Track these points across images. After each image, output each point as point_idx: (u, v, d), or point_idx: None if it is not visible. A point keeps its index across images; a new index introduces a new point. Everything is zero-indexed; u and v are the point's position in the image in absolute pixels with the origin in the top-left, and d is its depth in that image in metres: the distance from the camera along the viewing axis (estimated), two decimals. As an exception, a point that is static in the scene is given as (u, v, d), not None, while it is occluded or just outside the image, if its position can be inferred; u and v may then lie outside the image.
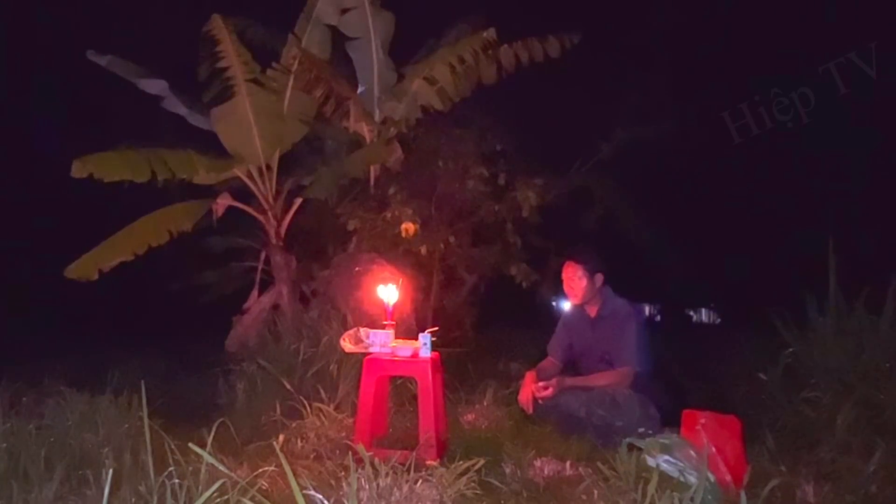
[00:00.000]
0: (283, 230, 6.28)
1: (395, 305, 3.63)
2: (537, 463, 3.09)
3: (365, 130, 6.52)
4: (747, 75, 9.16)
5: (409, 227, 5.75)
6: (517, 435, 3.68)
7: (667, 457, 2.81)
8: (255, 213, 6.32)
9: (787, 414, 3.59)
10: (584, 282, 3.85)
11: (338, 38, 6.48)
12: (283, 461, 2.03)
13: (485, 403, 4.17)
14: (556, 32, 6.41)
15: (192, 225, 5.78)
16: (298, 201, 6.26)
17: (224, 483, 2.18)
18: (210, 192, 6.31)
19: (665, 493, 2.24)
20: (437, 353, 3.49)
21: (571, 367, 4.05)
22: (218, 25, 5.45)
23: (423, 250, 5.98)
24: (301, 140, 6.37)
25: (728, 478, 2.80)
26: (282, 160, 6.26)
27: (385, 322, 3.55)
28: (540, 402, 3.77)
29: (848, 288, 4.02)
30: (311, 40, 6.27)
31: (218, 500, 2.19)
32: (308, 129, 6.33)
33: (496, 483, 2.89)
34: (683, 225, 9.60)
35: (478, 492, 2.69)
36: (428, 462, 2.77)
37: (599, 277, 3.87)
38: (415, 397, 3.57)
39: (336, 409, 3.73)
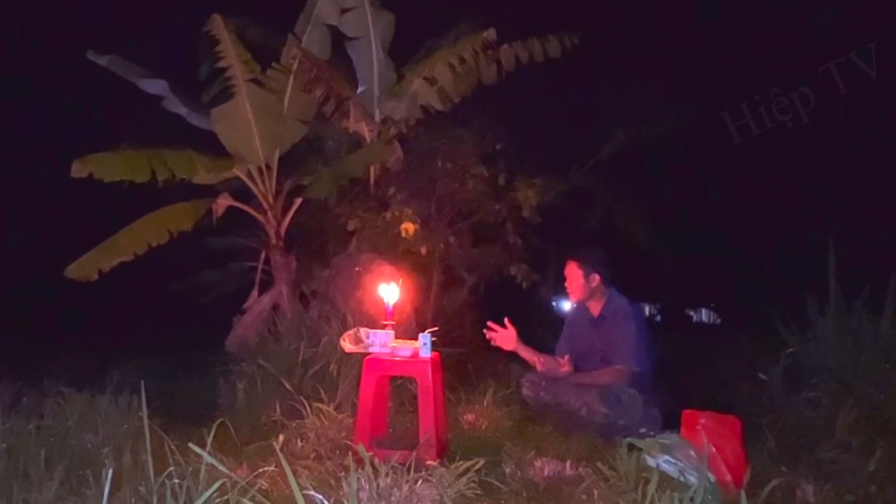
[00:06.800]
0: (283, 230, 6.27)
1: (395, 305, 3.62)
2: (537, 463, 3.09)
3: (365, 130, 6.51)
4: (747, 75, 9.17)
5: (409, 227, 5.75)
6: (517, 435, 3.68)
7: (667, 457, 2.81)
8: (255, 213, 6.31)
9: (787, 414, 3.58)
10: (581, 280, 3.96)
11: (338, 38, 6.48)
12: (283, 461, 2.03)
13: (485, 403, 4.18)
14: (556, 32, 6.40)
15: (192, 225, 5.78)
16: (298, 201, 6.25)
17: (224, 483, 2.18)
18: (210, 192, 6.31)
19: (665, 493, 2.23)
20: (437, 353, 3.49)
21: (575, 367, 4.05)
22: (218, 25, 5.44)
23: (423, 250, 5.97)
24: (301, 140, 6.36)
25: (728, 478, 2.80)
26: (282, 160, 6.26)
27: (385, 322, 3.55)
28: (543, 395, 3.81)
29: (848, 288, 4.02)
30: (311, 40, 6.26)
31: (218, 500, 2.18)
32: (308, 129, 6.32)
33: (496, 483, 2.89)
34: (683, 225, 9.61)
35: (478, 492, 2.69)
36: (428, 462, 2.77)
37: (595, 278, 3.94)
38: (415, 397, 3.57)
39: (336, 409, 3.73)
